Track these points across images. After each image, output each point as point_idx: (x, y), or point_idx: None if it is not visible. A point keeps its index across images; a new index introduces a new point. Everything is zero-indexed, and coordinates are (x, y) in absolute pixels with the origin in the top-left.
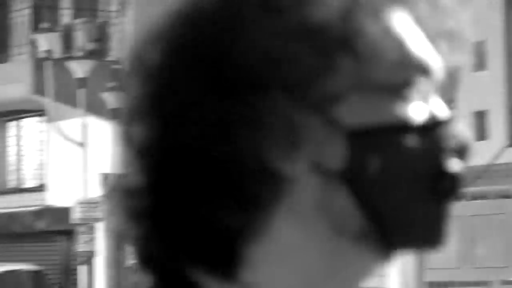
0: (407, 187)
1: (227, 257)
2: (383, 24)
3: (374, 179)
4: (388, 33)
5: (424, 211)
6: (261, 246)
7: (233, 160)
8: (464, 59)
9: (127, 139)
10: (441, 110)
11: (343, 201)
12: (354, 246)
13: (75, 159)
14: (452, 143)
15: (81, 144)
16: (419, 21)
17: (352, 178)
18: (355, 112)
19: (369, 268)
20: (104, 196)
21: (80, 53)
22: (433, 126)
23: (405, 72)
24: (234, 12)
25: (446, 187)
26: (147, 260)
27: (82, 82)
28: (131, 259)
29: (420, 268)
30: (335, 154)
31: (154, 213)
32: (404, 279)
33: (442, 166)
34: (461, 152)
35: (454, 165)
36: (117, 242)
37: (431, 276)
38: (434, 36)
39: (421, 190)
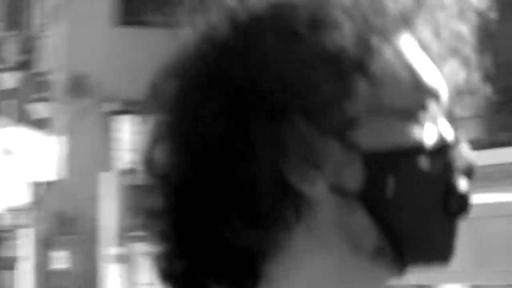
0: (420, 206)
1: (247, 274)
2: (395, 48)
3: (390, 199)
4: (400, 56)
5: (436, 229)
6: (281, 264)
7: (254, 182)
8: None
9: (148, 166)
10: (449, 132)
11: (360, 220)
12: (370, 262)
13: (2, 168)
14: (460, 164)
15: (8, 153)
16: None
17: (369, 198)
18: (372, 136)
19: (383, 283)
20: (30, 203)
21: (10, 65)
22: (442, 148)
23: (418, 96)
24: (251, 42)
25: (456, 206)
26: (171, 276)
27: (10, 92)
28: (55, 264)
29: None
30: (353, 175)
31: (177, 233)
32: None
33: (452, 186)
34: (468, 172)
35: (463, 184)
36: (43, 247)
37: None
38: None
39: (434, 209)
